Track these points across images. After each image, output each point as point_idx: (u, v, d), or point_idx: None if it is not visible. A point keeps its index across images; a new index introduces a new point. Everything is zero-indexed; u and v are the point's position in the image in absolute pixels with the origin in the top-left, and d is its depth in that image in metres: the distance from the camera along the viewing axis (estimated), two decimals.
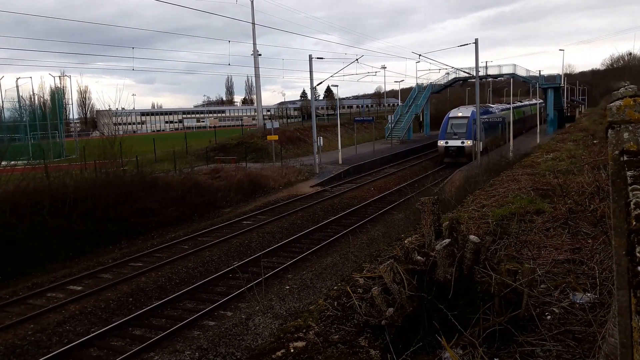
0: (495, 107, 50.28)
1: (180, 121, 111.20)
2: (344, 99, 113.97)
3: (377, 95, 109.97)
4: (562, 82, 57.94)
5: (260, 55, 44.23)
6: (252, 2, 43.26)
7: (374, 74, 50.05)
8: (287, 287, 13.41)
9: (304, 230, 19.26)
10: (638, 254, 1.67)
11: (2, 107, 45.69)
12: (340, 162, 35.75)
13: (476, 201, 9.41)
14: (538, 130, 42.64)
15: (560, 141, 22.79)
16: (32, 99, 46.52)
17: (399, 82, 73.65)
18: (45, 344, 10.73)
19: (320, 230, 19.32)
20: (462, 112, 39.97)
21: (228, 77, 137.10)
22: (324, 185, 29.36)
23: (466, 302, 4.17)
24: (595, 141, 19.24)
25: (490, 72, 54.00)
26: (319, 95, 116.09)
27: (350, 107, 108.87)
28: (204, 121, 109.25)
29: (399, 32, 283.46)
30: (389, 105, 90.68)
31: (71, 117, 65.80)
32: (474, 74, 36.82)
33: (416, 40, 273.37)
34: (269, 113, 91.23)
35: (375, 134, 49.08)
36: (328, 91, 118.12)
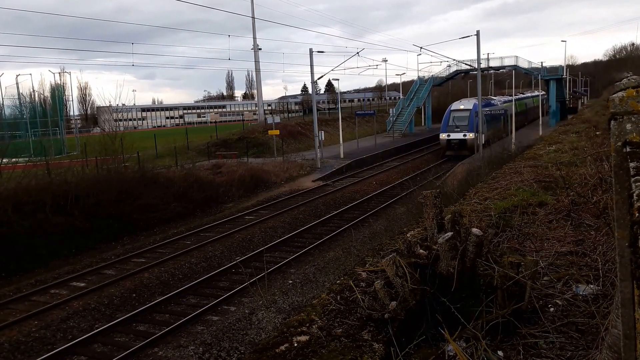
0: (497, 100, 50.14)
1: (181, 116, 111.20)
2: (345, 92, 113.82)
3: (379, 89, 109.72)
4: (565, 74, 57.76)
5: (260, 49, 44.09)
6: None
7: (375, 67, 49.98)
8: (290, 282, 13.45)
9: (306, 224, 19.28)
10: None
11: (3, 104, 45.75)
12: (341, 156, 35.73)
13: (478, 194, 9.40)
14: (540, 122, 42.54)
15: (562, 133, 22.73)
16: (32, 96, 46.61)
17: (401, 75, 73.68)
18: (49, 341, 10.79)
19: (323, 225, 19.33)
20: (464, 104, 39.89)
21: (228, 72, 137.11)
22: (326, 180, 29.37)
23: (469, 295, 4.17)
24: (597, 133, 19.17)
25: (492, 64, 53.79)
26: (320, 89, 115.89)
27: (352, 100, 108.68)
28: (204, 116, 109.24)
29: (400, 24, 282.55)
30: (390, 98, 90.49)
31: (72, 113, 65.86)
32: (476, 66, 36.69)
33: (418, 33, 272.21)
34: (270, 107, 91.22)
35: (377, 127, 48.98)
36: (329, 85, 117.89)
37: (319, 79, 44.25)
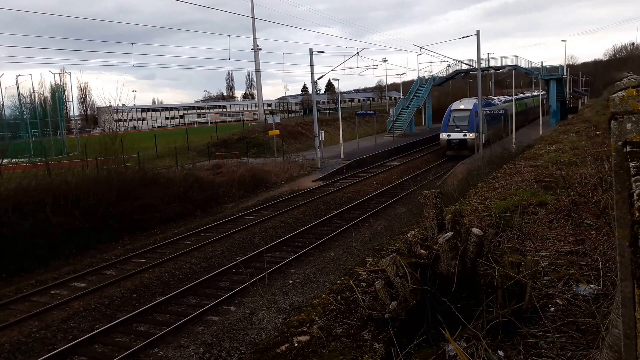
0: (498, 99, 50.15)
1: (181, 117, 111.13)
2: (345, 92, 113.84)
3: (379, 89, 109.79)
4: (565, 74, 57.76)
5: (260, 49, 44.09)
6: None
7: (375, 67, 50.03)
8: (291, 282, 13.45)
9: (307, 224, 19.28)
10: None
11: (3, 104, 45.76)
12: (342, 156, 35.73)
13: (479, 194, 9.39)
14: (540, 122, 42.55)
15: (562, 133, 22.71)
16: (33, 96, 46.62)
17: (401, 75, 73.73)
18: (50, 341, 10.79)
19: (323, 225, 19.33)
20: (464, 104, 39.90)
21: (228, 72, 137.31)
22: (326, 180, 29.36)
23: (469, 295, 4.17)
24: (598, 132, 19.16)
25: (492, 63, 53.80)
26: (320, 89, 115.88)
27: (352, 100, 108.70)
28: (205, 116, 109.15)
29: (401, 24, 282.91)
30: (390, 98, 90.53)
31: (72, 114, 65.89)
32: (476, 66, 36.69)
33: (418, 33, 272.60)
34: (270, 108, 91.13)
35: (377, 127, 48.98)
36: (329, 85, 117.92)
37: (319, 79, 44.23)
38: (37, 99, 46.78)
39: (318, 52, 41.64)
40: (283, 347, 4.00)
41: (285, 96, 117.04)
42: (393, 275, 4.16)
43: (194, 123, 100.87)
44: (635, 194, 1.81)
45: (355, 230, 17.34)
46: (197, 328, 10.98)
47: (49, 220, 16.80)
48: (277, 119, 38.97)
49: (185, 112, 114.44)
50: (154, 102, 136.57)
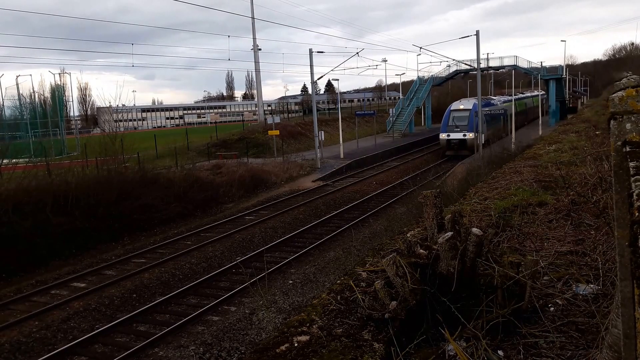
0: (497, 99, 50.17)
1: (181, 117, 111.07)
2: (345, 92, 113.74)
3: (378, 89, 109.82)
4: (564, 73, 57.74)
5: (260, 49, 44.12)
6: None
7: (375, 67, 49.80)
8: (291, 282, 13.45)
9: (307, 224, 19.28)
10: None
11: (3, 104, 45.75)
12: (341, 156, 35.73)
13: (478, 194, 9.39)
14: (540, 122, 42.55)
15: (562, 132, 22.70)
16: (33, 97, 46.56)
17: (400, 75, 73.67)
18: (50, 341, 10.80)
19: (323, 225, 19.33)
20: (464, 104, 39.93)
21: (228, 72, 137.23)
22: (326, 180, 29.37)
23: (469, 295, 4.17)
24: (597, 132, 19.15)
25: (492, 64, 53.80)
26: (319, 90, 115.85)
27: (352, 100, 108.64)
28: (204, 117, 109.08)
29: (400, 24, 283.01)
30: (390, 98, 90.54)
31: (72, 114, 65.81)
32: (476, 66, 36.70)
33: (418, 33, 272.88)
34: (269, 108, 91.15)
35: (377, 127, 48.99)
36: (329, 85, 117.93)
37: (318, 79, 44.27)
38: (37, 99, 46.78)
39: (318, 52, 41.72)
40: (283, 347, 4.00)
41: (285, 96, 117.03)
42: (393, 275, 4.16)
43: (193, 123, 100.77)
44: (634, 193, 1.81)
45: (355, 230, 17.34)
46: (197, 328, 10.99)
47: (49, 221, 16.80)
48: (277, 119, 38.96)
49: (185, 112, 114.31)
50: (153, 102, 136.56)
